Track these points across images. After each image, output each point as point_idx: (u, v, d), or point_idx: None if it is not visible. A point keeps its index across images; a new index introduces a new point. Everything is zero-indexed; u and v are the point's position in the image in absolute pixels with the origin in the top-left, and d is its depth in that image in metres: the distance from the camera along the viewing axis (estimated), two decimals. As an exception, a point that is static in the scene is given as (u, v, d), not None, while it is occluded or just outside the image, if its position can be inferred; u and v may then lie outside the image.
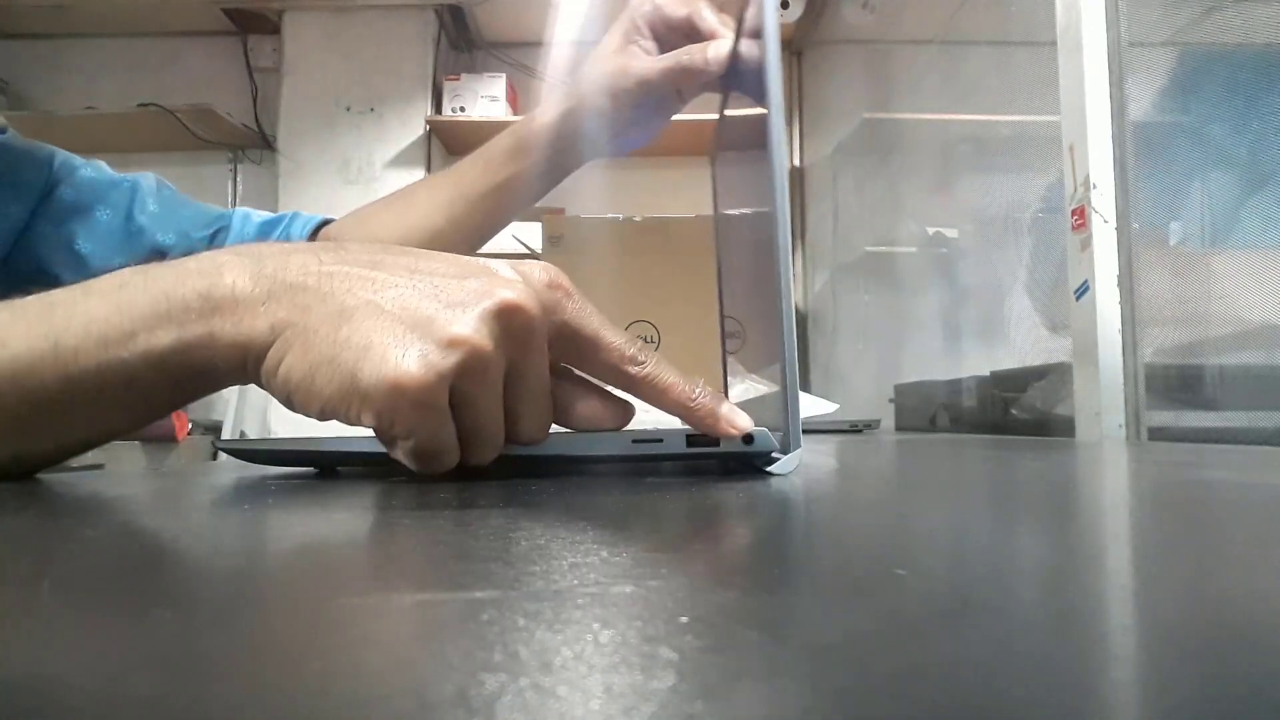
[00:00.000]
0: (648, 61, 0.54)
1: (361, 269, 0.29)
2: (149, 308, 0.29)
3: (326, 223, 0.70)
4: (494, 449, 0.31)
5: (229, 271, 0.29)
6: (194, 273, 0.29)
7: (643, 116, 0.56)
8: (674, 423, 0.35)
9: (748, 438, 0.32)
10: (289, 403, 0.29)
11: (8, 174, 0.61)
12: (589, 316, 0.31)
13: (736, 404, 0.33)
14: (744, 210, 0.42)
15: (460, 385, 0.28)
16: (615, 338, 0.31)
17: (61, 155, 0.65)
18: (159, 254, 0.65)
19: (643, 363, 0.31)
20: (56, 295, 0.30)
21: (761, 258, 0.34)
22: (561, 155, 0.60)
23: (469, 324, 0.27)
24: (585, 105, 0.57)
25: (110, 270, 0.64)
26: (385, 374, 0.26)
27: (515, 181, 0.61)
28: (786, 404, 0.31)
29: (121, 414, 0.31)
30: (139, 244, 0.65)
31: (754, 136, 0.35)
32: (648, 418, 0.37)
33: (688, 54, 0.52)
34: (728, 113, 0.51)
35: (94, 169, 0.67)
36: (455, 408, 0.29)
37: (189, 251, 0.66)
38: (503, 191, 0.62)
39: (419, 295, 0.28)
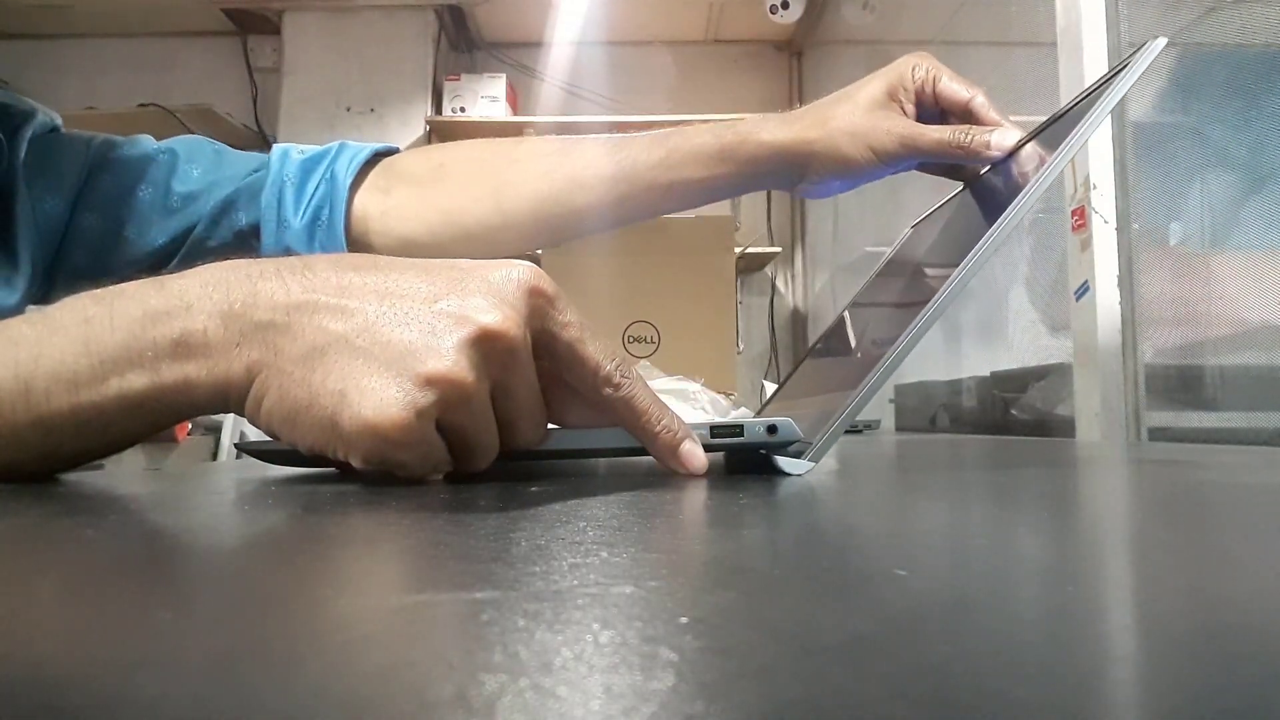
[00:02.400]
0: (917, 127, 0.52)
1: (330, 297, 0.28)
2: (119, 350, 0.28)
3: (381, 155, 0.62)
4: (489, 458, 0.31)
5: (198, 313, 0.28)
6: (162, 314, 0.28)
7: (871, 174, 0.54)
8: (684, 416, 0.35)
9: (772, 428, 0.32)
10: (277, 439, 0.29)
11: (48, 168, 0.57)
12: (568, 327, 0.30)
13: (772, 405, 0.33)
14: (930, 260, 0.43)
15: (444, 417, 0.28)
16: (594, 353, 0.31)
17: (100, 139, 0.61)
18: (198, 214, 0.60)
19: (618, 384, 0.31)
20: (19, 331, 0.29)
21: (903, 316, 0.35)
22: (762, 179, 0.56)
23: (446, 358, 0.27)
24: (827, 144, 0.53)
25: (151, 249, 0.60)
26: (365, 419, 0.26)
27: (696, 186, 0.56)
28: (836, 423, 0.32)
29: (99, 445, 0.30)
30: (180, 215, 0.60)
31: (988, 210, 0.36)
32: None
33: (967, 133, 0.50)
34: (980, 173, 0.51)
35: (132, 145, 0.61)
36: (444, 432, 0.28)
37: (227, 200, 0.59)
38: (675, 192, 0.57)
39: (391, 326, 0.27)
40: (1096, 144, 0.85)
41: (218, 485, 0.32)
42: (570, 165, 0.58)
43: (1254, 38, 0.78)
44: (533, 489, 0.27)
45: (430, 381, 0.26)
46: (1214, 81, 0.86)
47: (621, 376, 0.31)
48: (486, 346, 0.28)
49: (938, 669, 0.09)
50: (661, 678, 0.08)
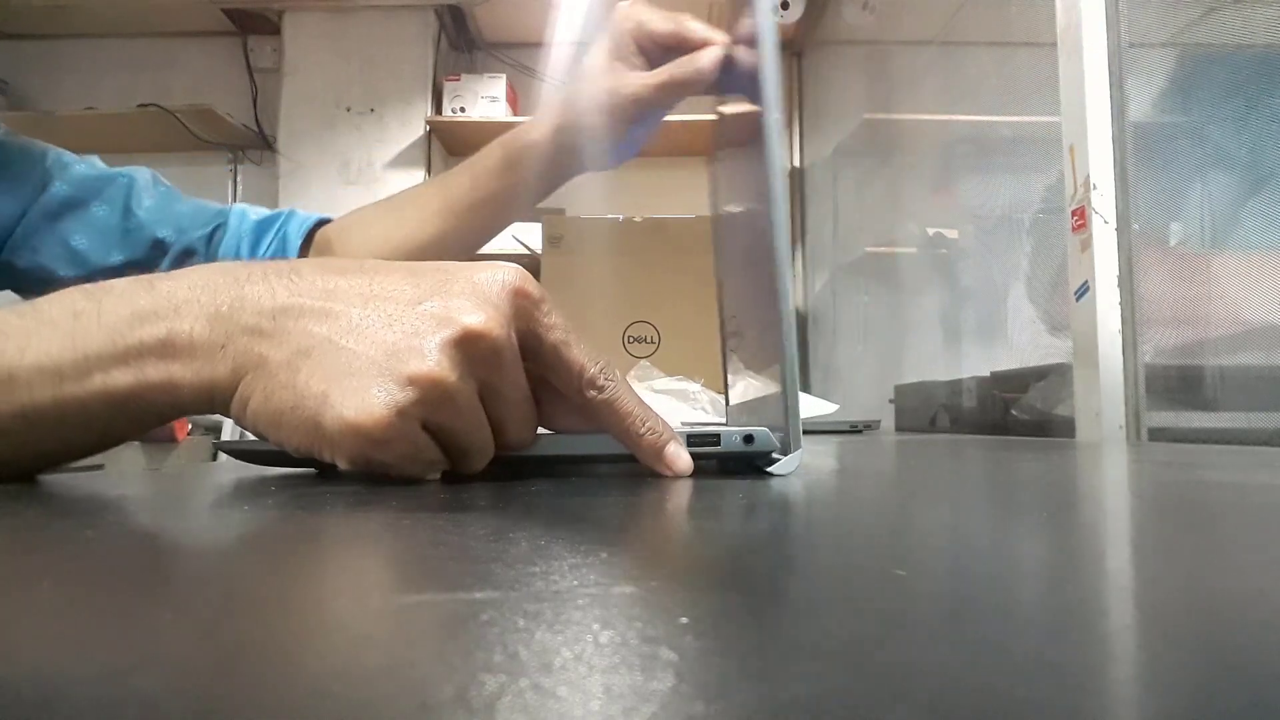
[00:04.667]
0: (640, 78, 0.55)
1: (315, 300, 0.28)
2: (104, 346, 0.28)
3: (323, 222, 0.70)
4: (484, 458, 0.31)
5: (185, 315, 0.28)
6: (150, 314, 0.28)
7: (635, 130, 0.57)
8: (675, 422, 0.35)
9: (748, 438, 0.32)
10: (264, 440, 0.29)
11: (2, 171, 0.61)
12: (553, 329, 0.30)
13: (737, 403, 0.33)
14: (742, 209, 0.42)
15: (430, 417, 0.28)
16: (579, 356, 0.31)
17: (55, 152, 0.65)
18: (159, 248, 0.65)
19: (602, 387, 0.31)
20: (7, 322, 0.29)
21: (759, 259, 0.34)
22: (553, 171, 0.61)
23: (429, 358, 0.27)
24: (578, 122, 0.57)
25: (110, 267, 0.64)
26: (348, 420, 0.26)
27: (504, 195, 0.62)
28: (786, 405, 0.31)
29: (82, 441, 0.30)
30: (138, 238, 0.65)
31: (751, 136, 0.35)
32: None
33: (679, 67, 0.53)
34: (723, 111, 0.51)
35: (88, 165, 0.67)
36: (432, 433, 0.28)
37: (188, 249, 0.66)
38: (491, 205, 0.62)
39: (375, 328, 0.27)
40: (1096, 144, 0.85)
41: (217, 485, 0.32)
42: (434, 203, 0.64)
43: (1254, 38, 0.78)
44: (533, 489, 0.27)
45: (412, 381, 0.27)
46: (1214, 81, 0.86)
47: (605, 379, 0.31)
48: (470, 347, 0.28)
49: (938, 669, 0.09)
50: (661, 678, 0.08)
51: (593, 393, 0.31)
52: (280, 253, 0.67)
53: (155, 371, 0.28)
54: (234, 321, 0.28)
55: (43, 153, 0.64)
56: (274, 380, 0.27)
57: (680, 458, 0.32)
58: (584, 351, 0.31)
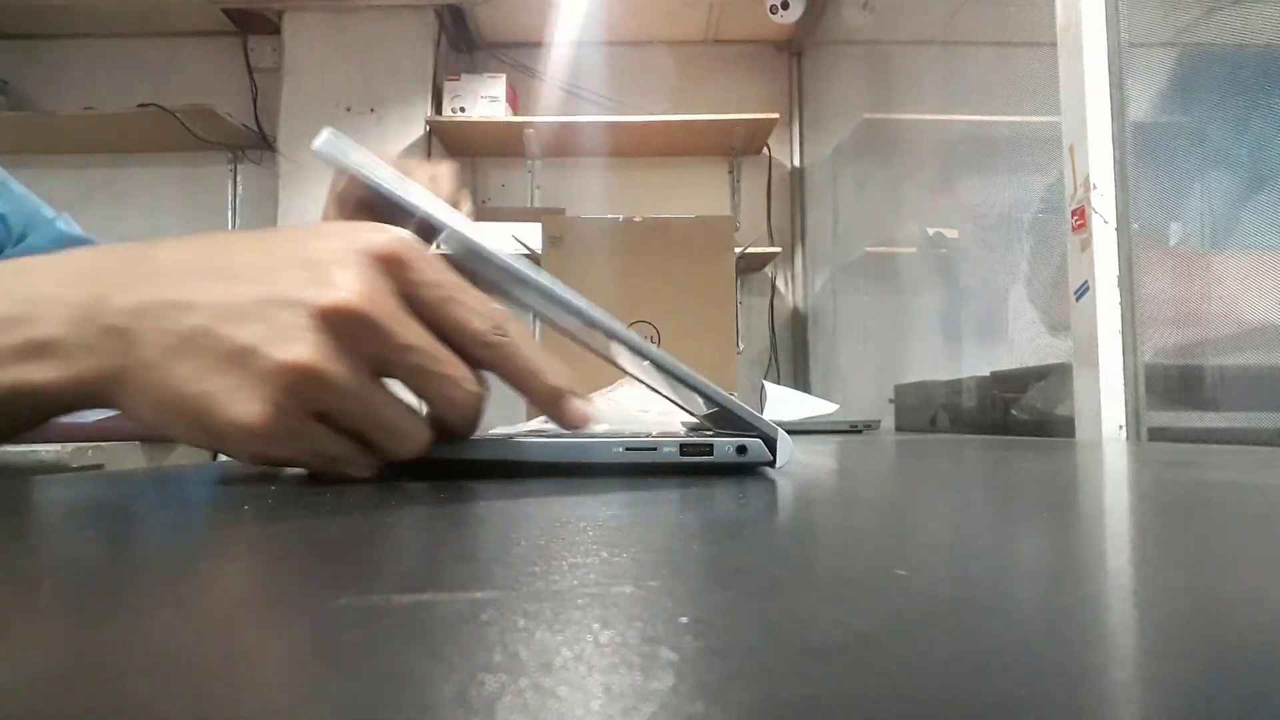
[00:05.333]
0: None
1: (173, 293, 0.27)
2: None
3: None
4: (408, 439, 0.29)
5: (46, 321, 0.27)
6: (7, 321, 0.27)
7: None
8: (669, 427, 0.35)
9: (741, 448, 0.32)
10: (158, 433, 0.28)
11: None
12: (431, 287, 0.29)
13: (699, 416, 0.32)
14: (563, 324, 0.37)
15: (313, 407, 0.27)
16: (462, 312, 0.29)
17: None
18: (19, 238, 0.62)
19: (492, 343, 0.29)
20: None
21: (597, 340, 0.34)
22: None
23: (293, 347, 0.26)
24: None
25: None
26: (230, 421, 0.26)
27: None
28: (744, 417, 0.33)
29: None
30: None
31: (503, 280, 0.33)
32: (646, 417, 0.37)
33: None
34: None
35: None
36: (329, 419, 0.28)
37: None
38: None
39: (237, 320, 0.26)
40: (1096, 144, 0.85)
41: (218, 485, 0.32)
42: None
43: (1254, 38, 0.78)
44: (533, 489, 0.27)
45: (281, 373, 0.26)
46: (1214, 82, 0.86)
47: (496, 334, 0.30)
48: (335, 326, 0.27)
49: (938, 669, 0.09)
50: (661, 678, 0.08)
51: (483, 349, 0.30)
52: None
53: (20, 374, 0.27)
54: (96, 323, 0.27)
55: None
56: (145, 381, 0.27)
57: (578, 410, 0.31)
58: (472, 306, 0.29)
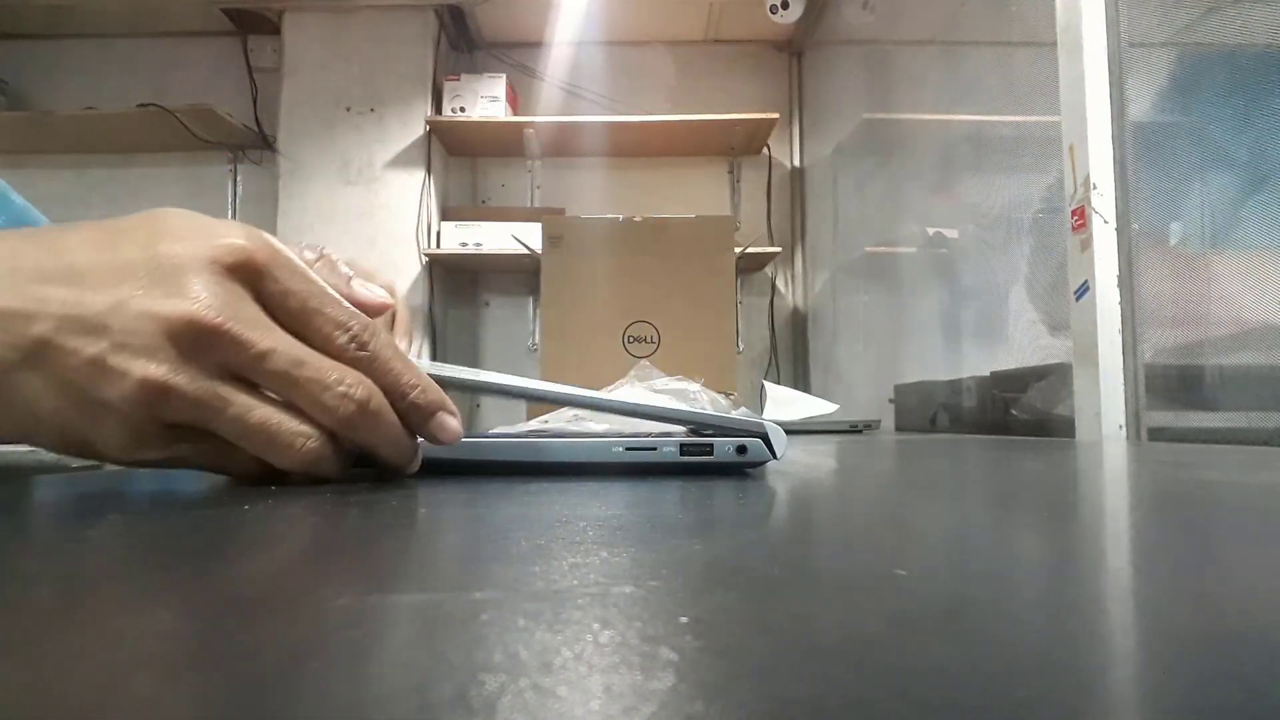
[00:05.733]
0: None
1: (17, 298, 0.25)
2: None
3: None
4: (285, 449, 0.28)
5: None
6: None
7: None
8: (665, 428, 0.35)
9: (741, 449, 0.32)
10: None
11: None
12: (287, 296, 0.28)
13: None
14: None
15: (168, 417, 0.26)
16: (322, 323, 0.28)
17: None
18: None
19: (355, 358, 0.28)
20: None
21: None
22: None
23: (140, 363, 0.25)
24: None
25: None
26: (88, 439, 0.26)
27: None
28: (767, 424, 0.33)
29: None
30: None
31: None
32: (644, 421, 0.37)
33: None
34: None
35: None
36: (197, 430, 0.27)
37: None
38: None
39: (82, 331, 0.25)
40: (1096, 144, 0.85)
41: (218, 484, 0.32)
42: None
43: (1254, 38, 0.78)
44: (533, 489, 0.27)
45: (131, 389, 0.25)
46: (1214, 82, 0.86)
47: (355, 350, 0.28)
48: (184, 338, 0.26)
49: (938, 669, 0.09)
50: (661, 678, 0.08)
51: (352, 354, 0.29)
52: None
53: None
54: None
55: None
56: (2, 399, 0.25)
57: (448, 427, 0.30)
58: (332, 317, 0.28)
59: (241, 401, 0.27)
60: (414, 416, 0.30)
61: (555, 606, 0.11)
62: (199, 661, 0.09)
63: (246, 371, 0.27)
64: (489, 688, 0.08)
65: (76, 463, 0.39)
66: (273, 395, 0.28)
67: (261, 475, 0.29)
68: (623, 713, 0.07)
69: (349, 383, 0.28)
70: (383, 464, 0.30)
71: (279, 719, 0.07)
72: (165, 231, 0.27)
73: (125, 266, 0.26)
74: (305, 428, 0.28)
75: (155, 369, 0.25)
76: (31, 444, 0.27)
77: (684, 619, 0.10)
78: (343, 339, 0.28)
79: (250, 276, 0.27)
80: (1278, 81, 0.75)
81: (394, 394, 0.29)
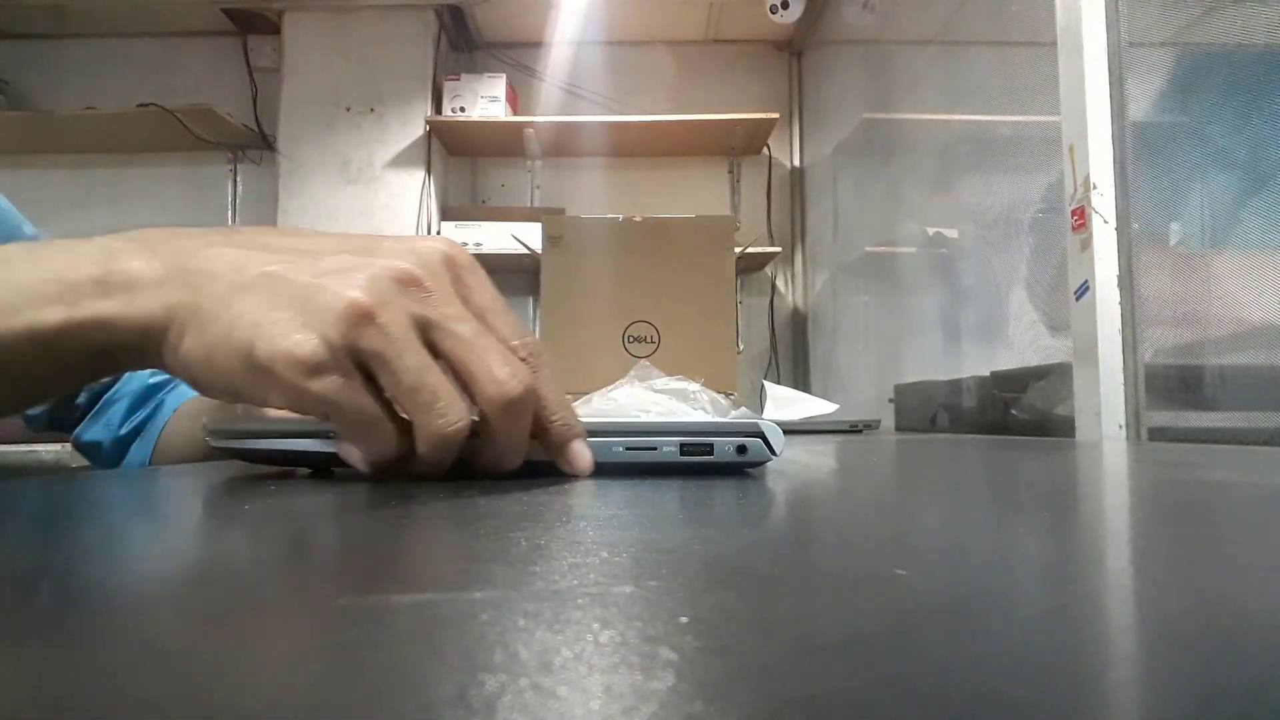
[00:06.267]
0: None
1: (250, 249, 0.29)
2: (38, 284, 0.28)
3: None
4: (441, 416, 0.28)
5: (122, 256, 0.29)
6: (86, 256, 0.29)
7: None
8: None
9: (741, 449, 0.32)
10: (195, 385, 0.29)
11: None
12: (481, 294, 0.31)
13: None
14: None
15: (362, 346, 0.27)
16: (508, 319, 0.31)
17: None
18: None
19: (534, 354, 0.31)
20: None
21: None
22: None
23: (356, 286, 0.28)
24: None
25: None
26: (278, 347, 0.27)
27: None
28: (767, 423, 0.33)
29: (8, 389, 0.30)
30: None
31: None
32: (646, 418, 0.37)
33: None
34: None
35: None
36: (374, 375, 0.28)
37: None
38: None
39: (308, 268, 0.28)
40: (1096, 144, 0.85)
41: (218, 483, 0.32)
42: None
43: (1254, 38, 0.78)
44: (533, 488, 0.27)
45: (339, 308, 0.27)
46: (1214, 81, 0.86)
47: (526, 354, 0.31)
48: (397, 282, 0.28)
49: (938, 669, 0.09)
50: (661, 678, 0.08)
51: (521, 358, 0.31)
52: (151, 419, 0.64)
53: (88, 308, 0.28)
54: (172, 262, 0.29)
55: None
56: (206, 315, 0.28)
57: (582, 456, 0.32)
58: (512, 320, 0.32)
59: (424, 355, 0.29)
60: (554, 437, 0.31)
61: (555, 606, 0.11)
62: (199, 660, 0.09)
63: (437, 328, 0.29)
64: (489, 688, 0.08)
65: (75, 462, 0.39)
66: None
67: (380, 463, 0.29)
68: (623, 713, 0.07)
69: (520, 370, 0.30)
70: (482, 469, 0.31)
71: (279, 719, 0.07)
72: (390, 236, 0.31)
73: (356, 240, 0.31)
74: (463, 408, 0.29)
75: (364, 297, 0.27)
76: (199, 377, 0.28)
77: (684, 619, 0.10)
78: (515, 343, 0.31)
79: (454, 269, 0.31)
80: (1278, 81, 0.75)
81: (542, 411, 0.31)
